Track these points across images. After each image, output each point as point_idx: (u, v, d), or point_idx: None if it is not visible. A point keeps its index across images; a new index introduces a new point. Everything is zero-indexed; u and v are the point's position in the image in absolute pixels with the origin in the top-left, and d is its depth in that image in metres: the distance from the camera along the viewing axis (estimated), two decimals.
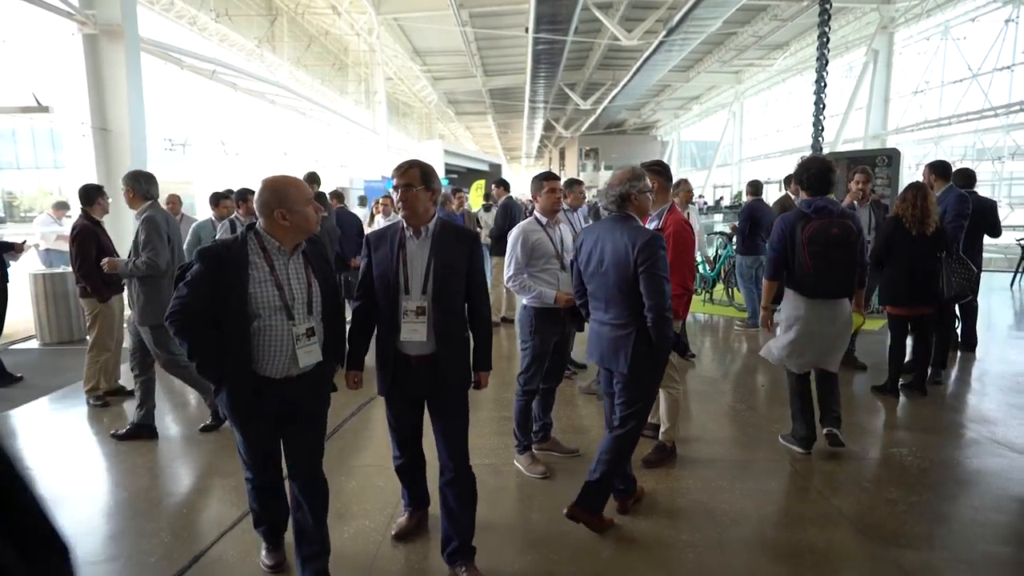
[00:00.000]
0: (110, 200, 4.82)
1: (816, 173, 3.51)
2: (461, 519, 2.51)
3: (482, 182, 13.95)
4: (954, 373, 5.33)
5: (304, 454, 2.39)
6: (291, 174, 2.32)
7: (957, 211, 4.96)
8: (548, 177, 3.56)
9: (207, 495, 3.39)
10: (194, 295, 2.14)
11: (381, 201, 8.13)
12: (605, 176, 31.99)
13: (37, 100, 8.11)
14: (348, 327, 2.59)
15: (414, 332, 2.40)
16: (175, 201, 6.71)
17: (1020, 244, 10.06)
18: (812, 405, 3.69)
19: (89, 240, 4.49)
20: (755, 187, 7.26)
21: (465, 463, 2.55)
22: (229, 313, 2.14)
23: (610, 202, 2.79)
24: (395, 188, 2.38)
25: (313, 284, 2.29)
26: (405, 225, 2.45)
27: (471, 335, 2.57)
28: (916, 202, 4.31)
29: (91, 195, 4.63)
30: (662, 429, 3.63)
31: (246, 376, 2.20)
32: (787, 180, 7.72)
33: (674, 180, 4.13)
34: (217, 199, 5.93)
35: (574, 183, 5.21)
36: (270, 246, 2.22)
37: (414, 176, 2.38)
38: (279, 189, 2.19)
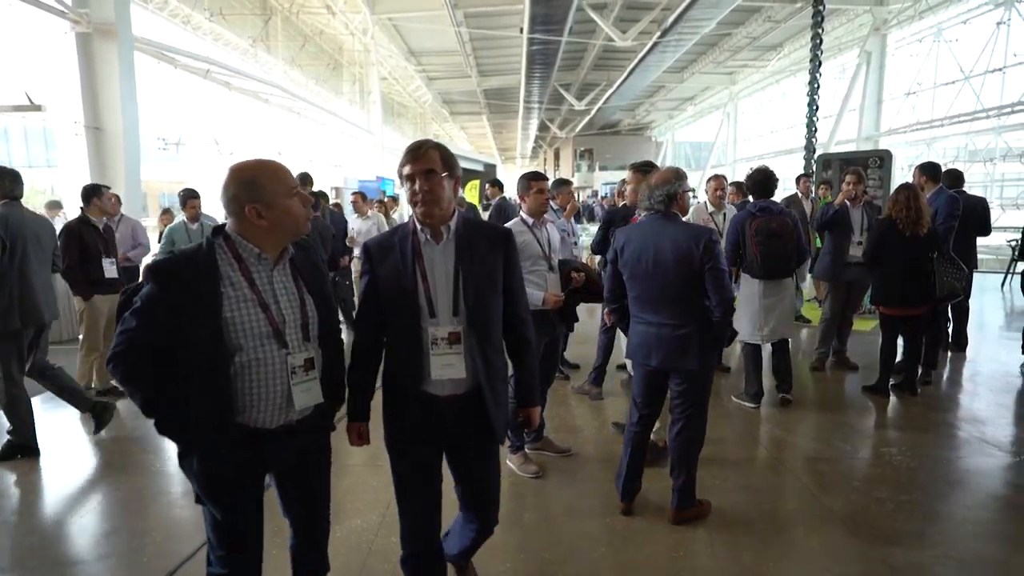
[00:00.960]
0: (112, 200, 4.94)
1: (760, 181, 4.41)
2: (471, 547, 2.26)
3: (477, 182, 13.95)
4: (944, 373, 5.37)
5: (310, 529, 1.92)
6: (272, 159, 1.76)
7: (948, 212, 5.00)
8: (536, 177, 3.52)
9: None
10: (145, 327, 1.57)
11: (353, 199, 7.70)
12: (600, 176, 32.30)
13: (30, 98, 8.07)
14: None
15: (448, 367, 1.85)
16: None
17: (1011, 245, 10.14)
18: (761, 368, 4.56)
19: (71, 239, 4.57)
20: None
21: (496, 518, 2.12)
22: (199, 349, 1.58)
23: (657, 202, 2.82)
24: (408, 178, 1.83)
25: (307, 301, 1.76)
26: (418, 226, 1.88)
27: (510, 361, 2.07)
28: (909, 203, 4.34)
29: (88, 195, 4.73)
30: (654, 428, 3.64)
31: (230, 432, 1.64)
32: (797, 179, 7.81)
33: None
34: (186, 198, 5.62)
35: (563, 183, 5.20)
36: (247, 254, 1.67)
37: (434, 159, 1.82)
38: (249, 178, 1.63)
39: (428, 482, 1.99)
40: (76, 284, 4.66)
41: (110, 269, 4.75)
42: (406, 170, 1.83)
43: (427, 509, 2.00)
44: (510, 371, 2.10)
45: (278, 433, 1.71)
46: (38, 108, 8.18)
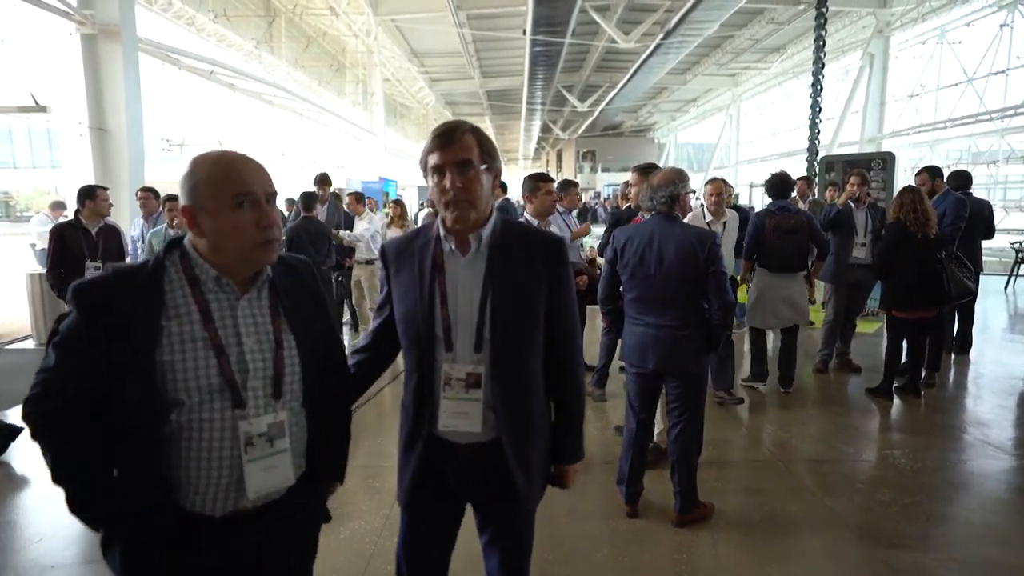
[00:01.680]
0: (110, 203, 4.85)
1: (777, 183, 4.81)
2: None
3: None
4: (948, 376, 5.35)
5: None
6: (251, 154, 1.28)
7: (956, 214, 5.00)
8: (544, 178, 3.55)
9: None
10: (66, 368, 1.18)
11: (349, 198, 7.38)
12: (603, 178, 32.28)
13: (35, 99, 8.10)
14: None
15: (461, 417, 1.47)
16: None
17: (1014, 247, 10.12)
18: (766, 352, 5.05)
19: (55, 241, 4.59)
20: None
21: None
22: (126, 399, 1.17)
23: (660, 203, 2.83)
24: (436, 170, 1.42)
25: (287, 345, 1.29)
26: (443, 233, 1.49)
27: (553, 408, 1.64)
28: (915, 205, 4.34)
29: (81, 197, 4.71)
30: (656, 431, 3.65)
31: (160, 515, 1.21)
32: (795, 181, 7.77)
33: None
34: (167, 199, 5.19)
35: (570, 185, 5.21)
36: (204, 276, 1.23)
37: (470, 146, 1.41)
38: (191, 170, 1.21)
39: (439, 538, 1.62)
40: (55, 287, 4.61)
41: (92, 275, 4.60)
42: (434, 159, 1.41)
43: (437, 564, 1.63)
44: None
45: (226, 522, 1.24)
46: (43, 109, 8.20)
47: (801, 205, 7.15)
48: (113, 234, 4.86)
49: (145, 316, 1.19)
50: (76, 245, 4.57)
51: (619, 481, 3.05)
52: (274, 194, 1.26)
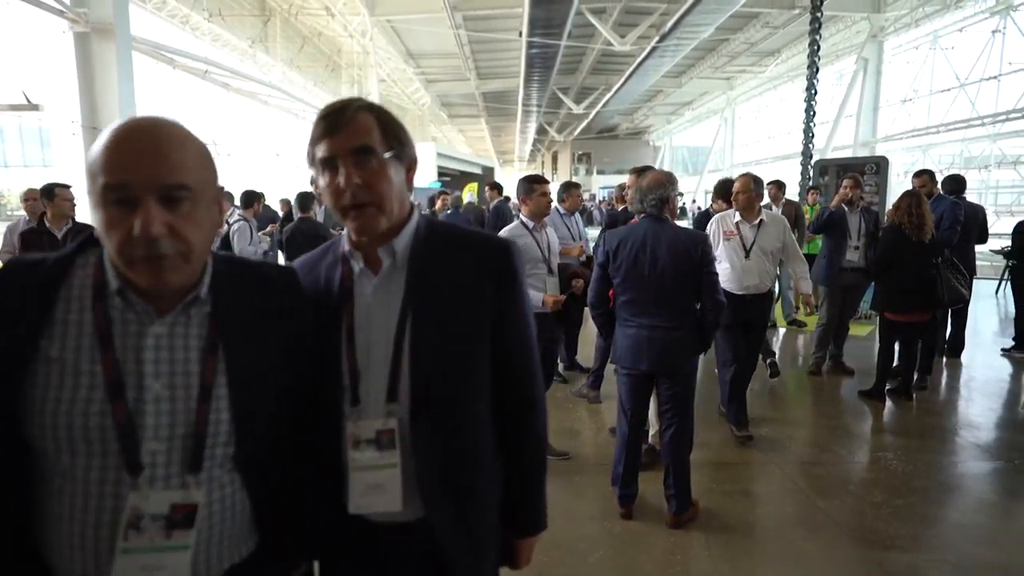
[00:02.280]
0: (73, 202, 4.29)
1: (719, 189, 4.92)
2: None
3: (475, 185, 13.98)
4: (940, 379, 5.39)
5: None
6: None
7: (953, 218, 5.03)
8: (540, 180, 3.55)
9: None
10: None
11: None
12: (598, 180, 32.34)
13: (27, 98, 8.06)
14: None
15: (375, 492, 1.08)
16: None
17: (1002, 252, 10.19)
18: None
19: (19, 247, 4.35)
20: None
21: None
22: None
23: (650, 206, 2.86)
24: (324, 164, 1.04)
25: (218, 396, 0.92)
26: (349, 247, 1.13)
27: (506, 467, 1.23)
28: (912, 209, 4.37)
29: (41, 198, 4.27)
30: (651, 432, 3.66)
31: None
32: (808, 190, 7.83)
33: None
34: None
35: (571, 186, 5.21)
36: (112, 286, 0.90)
37: (366, 128, 1.05)
38: (96, 146, 0.86)
39: None
40: None
41: None
42: (322, 150, 1.03)
43: None
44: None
45: None
46: (36, 107, 8.16)
47: (775, 209, 7.13)
48: (84, 236, 4.46)
49: (20, 333, 0.86)
50: (39, 250, 4.20)
51: (613, 483, 3.06)
52: (179, 187, 0.85)
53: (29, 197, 4.88)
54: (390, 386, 1.09)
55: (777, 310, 6.98)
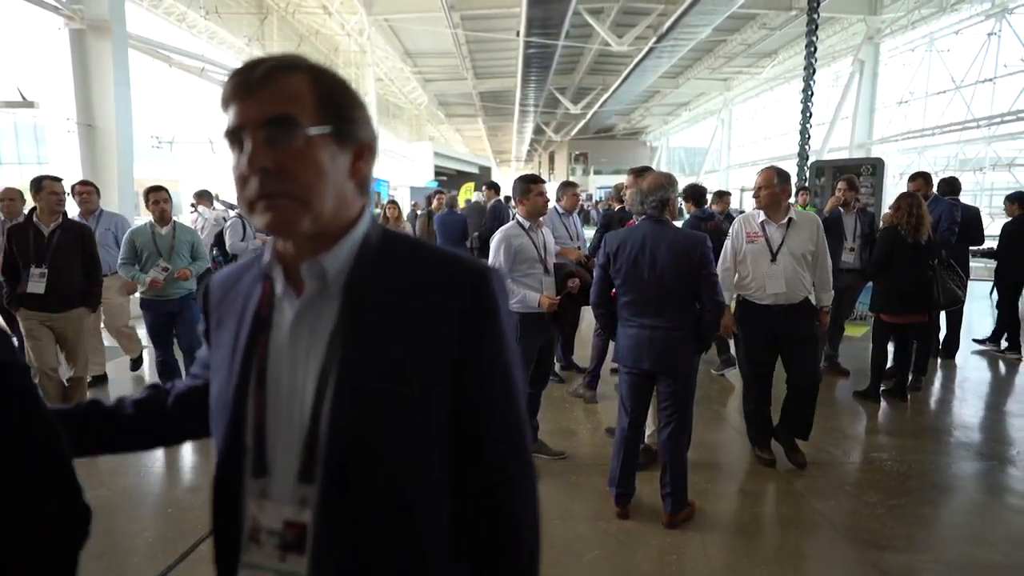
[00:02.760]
0: (60, 196, 3.99)
1: (700, 193, 5.28)
2: None
3: (472, 184, 13.97)
4: (934, 380, 5.41)
5: None
6: None
7: (951, 220, 5.06)
8: (536, 180, 3.55)
9: (192, 495, 3.36)
10: None
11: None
12: (595, 180, 32.33)
13: (22, 95, 8.02)
14: None
15: None
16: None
17: (979, 253, 10.15)
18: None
19: (6, 242, 3.98)
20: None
21: None
22: None
23: (651, 207, 2.88)
24: (228, 136, 0.78)
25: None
26: (270, 257, 0.84)
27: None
28: (911, 211, 4.38)
29: (34, 187, 4.00)
30: (647, 432, 3.66)
31: None
32: (799, 191, 7.84)
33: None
34: (148, 192, 4.35)
35: (569, 185, 5.21)
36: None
37: (293, 92, 0.76)
38: None
39: None
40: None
41: (35, 282, 3.81)
42: (232, 117, 0.78)
43: None
44: None
45: None
46: (31, 105, 8.12)
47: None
48: (74, 233, 4.00)
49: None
50: (22, 246, 3.84)
51: (610, 483, 3.06)
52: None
53: (5, 197, 4.69)
54: (304, 461, 0.77)
55: None
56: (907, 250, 4.38)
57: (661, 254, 2.79)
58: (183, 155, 15.08)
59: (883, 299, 4.58)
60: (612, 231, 3.21)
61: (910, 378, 4.85)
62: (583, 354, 5.66)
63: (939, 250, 4.52)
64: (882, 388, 4.73)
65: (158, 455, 3.78)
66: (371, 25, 16.80)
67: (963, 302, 4.83)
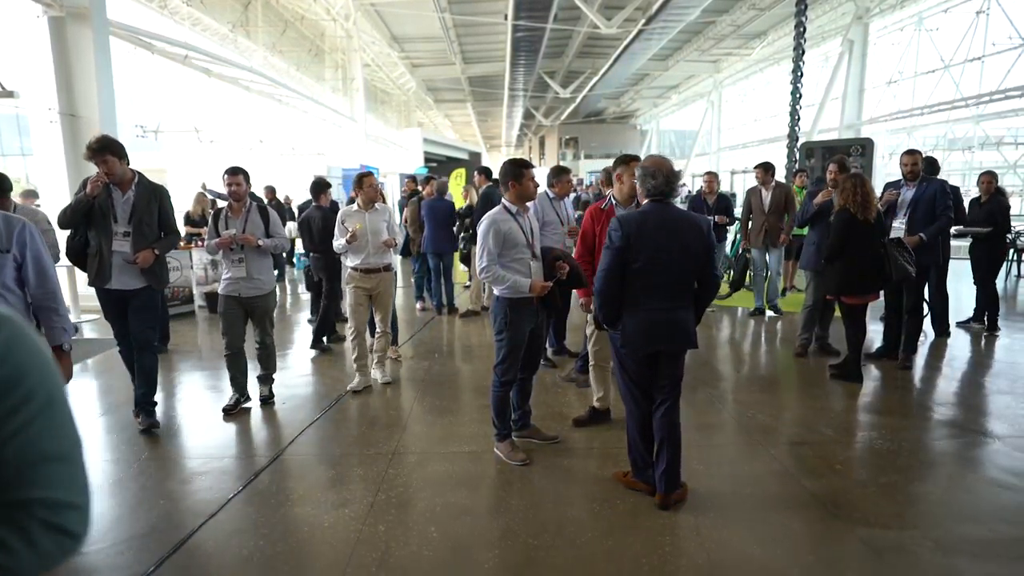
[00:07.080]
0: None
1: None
2: None
3: (462, 170, 13.88)
4: (923, 359, 5.46)
5: None
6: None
7: (944, 204, 5.01)
8: (527, 164, 3.52)
9: (189, 483, 3.35)
10: None
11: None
12: (586, 165, 32.26)
13: (2, 85, 7.87)
14: None
15: None
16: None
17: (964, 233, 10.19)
18: None
19: None
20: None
21: None
22: None
23: (658, 191, 2.87)
24: None
25: None
26: None
27: None
28: (856, 190, 4.41)
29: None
30: (596, 396, 3.99)
31: None
32: (756, 167, 7.77)
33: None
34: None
35: (562, 171, 5.16)
36: None
37: None
38: None
39: None
40: None
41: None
42: None
43: None
44: None
45: None
46: (11, 94, 7.97)
47: (765, 193, 7.03)
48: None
49: None
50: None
51: (636, 474, 3.09)
52: None
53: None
54: None
55: (750, 296, 7.03)
56: (859, 229, 4.41)
57: (683, 236, 2.83)
58: (168, 144, 14.86)
59: (846, 281, 4.56)
60: (625, 213, 3.14)
61: (900, 357, 4.88)
62: (574, 339, 5.67)
63: (885, 226, 4.59)
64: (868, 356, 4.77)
65: (152, 447, 3.76)
66: (357, 10, 16.59)
67: (912, 276, 4.79)
